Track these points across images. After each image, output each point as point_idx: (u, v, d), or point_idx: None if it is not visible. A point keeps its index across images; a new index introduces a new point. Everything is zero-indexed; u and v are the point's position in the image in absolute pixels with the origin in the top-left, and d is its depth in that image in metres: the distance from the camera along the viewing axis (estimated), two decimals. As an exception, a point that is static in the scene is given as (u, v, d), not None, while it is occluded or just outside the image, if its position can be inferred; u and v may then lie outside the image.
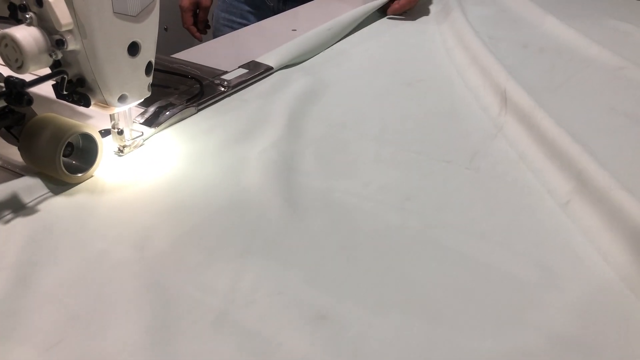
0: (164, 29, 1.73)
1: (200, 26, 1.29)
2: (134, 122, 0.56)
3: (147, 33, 0.47)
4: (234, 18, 1.18)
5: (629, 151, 0.58)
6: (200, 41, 1.26)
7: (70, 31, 0.43)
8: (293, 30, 0.87)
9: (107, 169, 0.50)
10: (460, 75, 0.75)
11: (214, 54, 0.79)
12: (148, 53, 0.48)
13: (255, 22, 1.04)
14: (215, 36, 1.19)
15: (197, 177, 0.50)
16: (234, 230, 0.44)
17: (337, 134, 0.59)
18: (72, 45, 0.43)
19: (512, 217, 0.47)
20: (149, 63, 0.49)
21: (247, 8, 1.16)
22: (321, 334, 0.35)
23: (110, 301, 0.37)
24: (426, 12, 1.00)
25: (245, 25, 1.08)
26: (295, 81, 0.68)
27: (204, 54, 0.78)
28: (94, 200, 0.46)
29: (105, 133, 0.53)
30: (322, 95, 0.66)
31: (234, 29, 1.11)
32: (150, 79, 0.50)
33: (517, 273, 0.41)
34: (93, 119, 0.57)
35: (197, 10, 1.28)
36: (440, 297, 0.39)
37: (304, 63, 0.75)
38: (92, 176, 0.49)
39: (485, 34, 0.86)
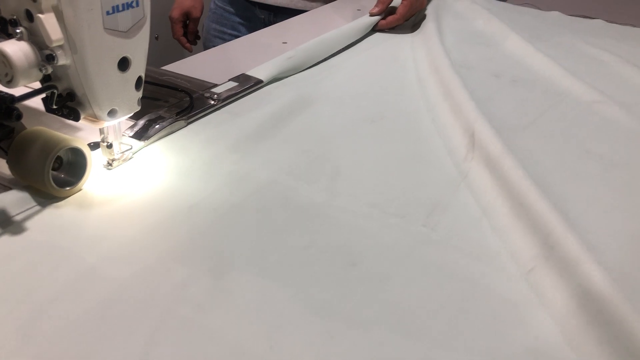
0: (155, 37, 1.74)
1: (190, 37, 1.30)
2: (123, 135, 0.56)
3: (138, 48, 0.47)
4: (225, 29, 1.18)
5: (605, 200, 0.53)
6: (191, 52, 1.26)
7: (60, 46, 0.43)
8: (284, 42, 0.88)
9: (96, 182, 0.50)
10: (430, 111, 0.68)
11: (205, 66, 0.79)
12: (138, 68, 0.48)
13: (246, 33, 1.04)
14: (205, 47, 1.20)
15: (185, 191, 0.50)
16: (222, 245, 0.44)
17: (285, 180, 0.53)
18: (62, 60, 0.44)
19: (465, 293, 0.41)
20: (139, 78, 0.49)
21: (238, 19, 1.17)
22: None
23: (98, 316, 0.37)
24: (406, 30, 0.99)
25: (236, 36, 1.09)
26: (278, 98, 0.68)
27: (194, 66, 0.78)
28: (83, 214, 0.46)
29: (94, 146, 0.53)
30: (290, 122, 0.63)
31: (225, 40, 1.12)
32: (140, 94, 0.50)
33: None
34: (83, 132, 0.57)
35: (187, 21, 1.29)
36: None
37: (292, 77, 0.75)
38: (80, 190, 0.49)
39: (458, 60, 0.82)
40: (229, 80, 0.70)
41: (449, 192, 0.53)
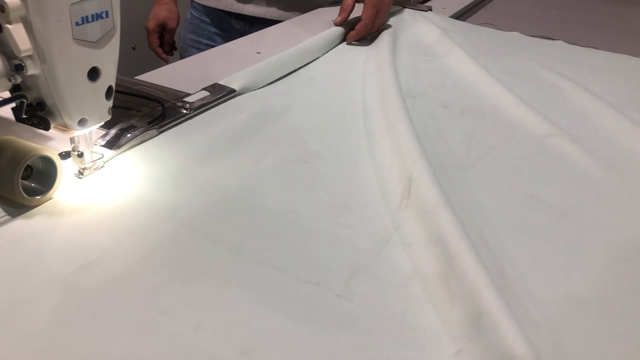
0: (131, 47, 1.74)
1: (167, 48, 1.30)
2: (95, 144, 0.56)
3: (108, 58, 0.48)
4: (201, 39, 1.19)
5: (551, 258, 0.47)
6: (167, 62, 1.27)
7: (29, 56, 0.43)
8: (258, 52, 0.89)
9: (66, 191, 0.50)
10: (370, 149, 0.62)
11: (179, 75, 0.79)
12: (108, 77, 0.49)
13: (221, 43, 1.05)
14: (182, 57, 1.20)
15: (156, 199, 0.50)
16: (192, 253, 0.44)
17: (187, 236, 0.46)
18: (31, 70, 0.44)
19: None
20: (109, 87, 0.50)
21: (214, 29, 1.17)
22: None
23: (64, 325, 0.37)
24: (358, 53, 0.92)
25: (212, 46, 1.10)
26: (248, 108, 0.68)
27: (168, 76, 0.78)
28: (52, 223, 0.46)
29: (65, 155, 0.53)
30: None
31: (201, 50, 1.13)
32: (110, 103, 0.51)
33: None
34: (54, 141, 0.57)
35: (164, 32, 1.29)
36: None
37: (263, 88, 0.76)
38: (51, 198, 0.49)
39: (407, 87, 0.77)
40: (202, 89, 0.70)
41: (376, 250, 0.46)
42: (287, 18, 1.10)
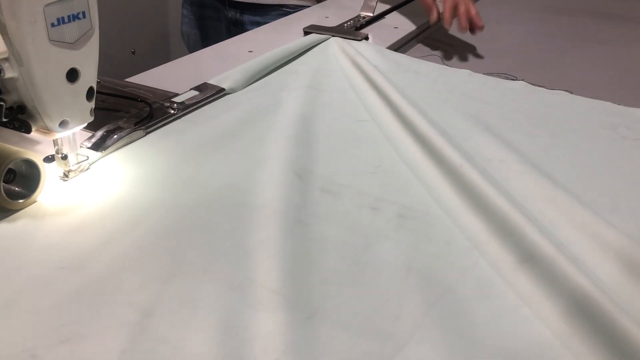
0: (131, 52, 1.74)
1: None
2: (81, 146, 0.56)
3: (87, 59, 0.48)
4: (199, 31, 1.19)
5: None
6: None
7: (6, 59, 0.43)
8: (250, 51, 0.88)
9: (51, 194, 0.50)
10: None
11: (170, 76, 0.79)
12: (88, 78, 0.49)
13: (222, 32, 1.04)
14: (191, 52, 1.19)
15: (140, 200, 0.50)
16: (175, 254, 0.44)
17: (172, 237, 0.45)
18: (9, 73, 0.44)
19: None
20: (90, 88, 0.49)
21: (211, 22, 1.17)
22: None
23: (46, 326, 0.37)
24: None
25: (211, 36, 1.09)
26: (237, 106, 0.68)
27: (159, 77, 0.78)
28: (35, 226, 0.46)
29: (51, 159, 0.53)
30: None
31: (209, 41, 1.11)
32: (92, 104, 0.50)
33: None
34: (41, 145, 0.57)
35: None
36: None
37: (253, 85, 0.76)
38: (35, 202, 0.49)
39: (323, 176, 0.56)
40: (191, 89, 0.70)
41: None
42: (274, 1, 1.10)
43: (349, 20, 1.03)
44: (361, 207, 0.51)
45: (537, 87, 0.79)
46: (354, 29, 0.99)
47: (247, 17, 1.13)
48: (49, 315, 0.38)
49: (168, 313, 0.38)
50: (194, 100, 0.67)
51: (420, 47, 1.02)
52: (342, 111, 0.70)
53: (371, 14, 1.06)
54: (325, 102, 0.71)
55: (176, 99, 0.67)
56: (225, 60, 0.86)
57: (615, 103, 0.74)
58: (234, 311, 0.39)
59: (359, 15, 1.06)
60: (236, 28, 1.18)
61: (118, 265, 0.42)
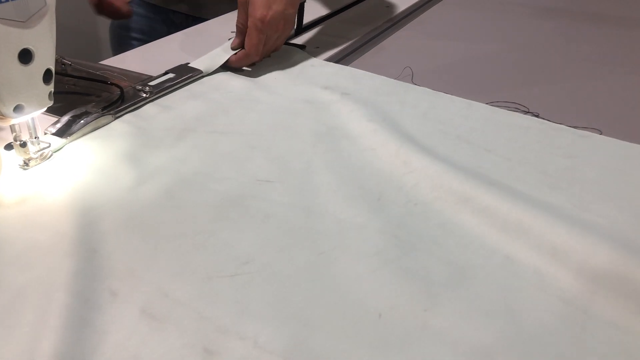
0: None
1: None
2: (45, 132, 0.53)
3: (41, 39, 0.45)
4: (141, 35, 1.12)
5: None
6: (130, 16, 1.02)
7: (-50, 39, 0.40)
8: (232, 32, 0.85)
9: (8, 183, 0.47)
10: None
11: (147, 59, 0.76)
12: (45, 60, 0.46)
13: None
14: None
15: (103, 189, 0.47)
16: (138, 245, 0.41)
17: (137, 225, 0.42)
18: (-45, 54, 0.41)
19: None
20: (48, 70, 0.46)
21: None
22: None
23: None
24: None
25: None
26: (212, 90, 0.64)
27: (136, 59, 0.75)
28: (-11, 217, 0.43)
29: (10, 146, 0.50)
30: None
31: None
32: (50, 88, 0.47)
33: None
34: (3, 132, 0.54)
35: None
36: None
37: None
38: (-9, 192, 0.46)
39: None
40: (166, 71, 0.67)
41: None
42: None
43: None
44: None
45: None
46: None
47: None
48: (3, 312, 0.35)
49: (119, 308, 0.36)
50: (168, 84, 0.64)
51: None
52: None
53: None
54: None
55: (152, 82, 0.64)
56: (206, 41, 0.82)
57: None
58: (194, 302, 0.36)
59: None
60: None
61: (71, 257, 0.40)
